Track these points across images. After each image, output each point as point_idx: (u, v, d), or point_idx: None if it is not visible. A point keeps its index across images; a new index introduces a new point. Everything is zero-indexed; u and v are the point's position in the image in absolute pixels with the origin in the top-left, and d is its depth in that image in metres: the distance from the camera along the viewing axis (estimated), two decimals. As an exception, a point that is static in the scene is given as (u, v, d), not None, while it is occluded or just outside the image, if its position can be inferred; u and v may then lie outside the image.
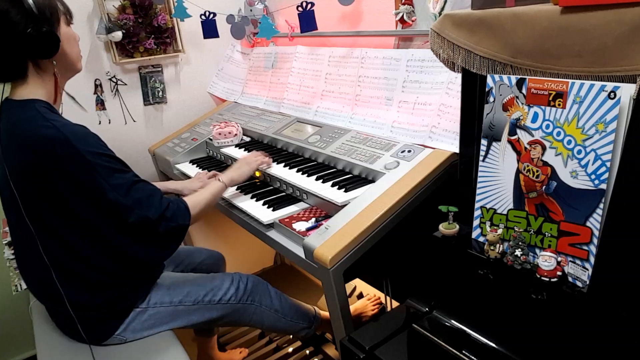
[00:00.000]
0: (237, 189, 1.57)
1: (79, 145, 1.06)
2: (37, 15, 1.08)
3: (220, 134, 1.87)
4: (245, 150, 1.79)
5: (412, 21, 1.56)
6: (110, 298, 1.22)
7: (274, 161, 1.62)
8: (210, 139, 1.92)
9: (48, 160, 1.07)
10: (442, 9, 1.38)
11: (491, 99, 0.93)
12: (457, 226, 1.01)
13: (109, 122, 2.08)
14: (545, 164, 0.86)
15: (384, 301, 1.67)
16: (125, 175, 1.13)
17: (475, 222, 0.99)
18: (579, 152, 0.81)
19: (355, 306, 1.78)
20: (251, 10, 2.11)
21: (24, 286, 1.39)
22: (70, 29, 1.21)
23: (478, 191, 0.97)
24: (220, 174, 1.49)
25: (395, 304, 1.38)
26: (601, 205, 0.79)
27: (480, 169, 0.96)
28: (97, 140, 1.12)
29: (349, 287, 1.70)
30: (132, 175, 1.15)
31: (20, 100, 1.14)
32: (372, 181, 1.33)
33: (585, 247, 0.82)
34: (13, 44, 1.09)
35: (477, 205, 0.98)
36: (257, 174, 1.61)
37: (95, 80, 2.01)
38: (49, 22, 1.12)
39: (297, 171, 1.51)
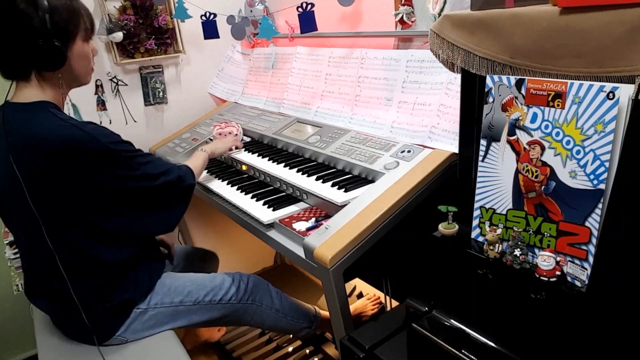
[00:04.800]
0: (237, 189, 1.58)
1: (102, 139, 1.12)
2: (48, 30, 1.09)
3: (220, 134, 1.87)
4: (245, 150, 1.79)
5: (412, 22, 1.57)
6: (112, 292, 1.23)
7: (274, 161, 1.63)
8: (211, 139, 1.92)
9: (76, 158, 1.09)
10: (442, 9, 1.38)
11: (490, 100, 0.93)
12: (457, 226, 1.01)
13: (110, 123, 2.08)
14: (544, 164, 0.86)
15: (383, 301, 1.68)
16: (141, 153, 1.24)
17: (475, 222, 0.99)
18: (578, 152, 0.81)
19: (355, 306, 1.78)
20: (251, 11, 2.12)
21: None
22: (86, 45, 1.21)
23: (477, 191, 0.98)
24: (203, 146, 1.67)
25: (395, 303, 1.38)
26: (600, 205, 0.79)
27: (479, 169, 0.97)
28: (110, 131, 1.17)
29: (348, 286, 1.71)
30: (145, 153, 1.26)
31: (26, 103, 1.14)
32: (372, 181, 1.34)
33: (584, 247, 0.82)
34: (19, 50, 1.11)
35: (476, 205, 0.98)
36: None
37: (96, 81, 2.02)
38: (62, 37, 1.13)
39: (297, 171, 1.51)
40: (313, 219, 1.30)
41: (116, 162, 1.14)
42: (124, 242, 1.23)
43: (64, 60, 1.14)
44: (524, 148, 0.89)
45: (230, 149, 1.75)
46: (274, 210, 1.38)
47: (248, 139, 1.93)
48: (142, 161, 1.21)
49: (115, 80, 2.06)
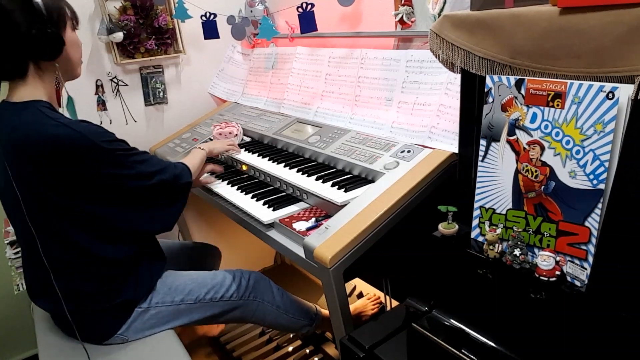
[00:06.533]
0: (237, 189, 1.58)
1: (95, 138, 1.10)
2: (44, 17, 1.10)
3: (220, 134, 1.87)
4: (245, 150, 1.80)
5: (412, 22, 1.57)
6: (114, 291, 1.23)
7: (274, 161, 1.63)
8: (211, 139, 1.93)
9: (68, 158, 1.08)
10: (442, 9, 1.38)
11: (490, 100, 0.93)
12: (457, 226, 1.01)
13: (110, 123, 2.09)
14: (544, 164, 0.86)
15: (383, 300, 1.68)
16: (136, 151, 1.22)
17: (475, 222, 0.99)
18: (578, 152, 0.81)
19: (355, 305, 1.78)
20: (251, 11, 2.12)
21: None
22: (75, 35, 1.23)
23: (477, 191, 0.98)
24: (201, 144, 1.64)
25: (394, 303, 1.38)
26: (599, 205, 0.79)
27: (479, 169, 0.97)
28: (103, 129, 1.17)
29: (348, 286, 1.71)
30: (140, 151, 1.25)
31: (19, 102, 1.14)
32: (372, 181, 1.34)
33: (583, 247, 0.82)
34: (15, 43, 1.09)
35: (476, 205, 0.98)
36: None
37: (97, 81, 2.02)
38: (56, 24, 1.13)
39: (297, 171, 1.51)
40: (313, 219, 1.30)
41: (110, 161, 1.13)
42: (123, 240, 1.23)
43: (62, 45, 1.14)
44: (524, 148, 0.89)
45: (228, 150, 1.74)
46: (274, 210, 1.38)
47: (248, 139, 1.93)
48: (136, 160, 1.20)
49: (115, 80, 2.06)
